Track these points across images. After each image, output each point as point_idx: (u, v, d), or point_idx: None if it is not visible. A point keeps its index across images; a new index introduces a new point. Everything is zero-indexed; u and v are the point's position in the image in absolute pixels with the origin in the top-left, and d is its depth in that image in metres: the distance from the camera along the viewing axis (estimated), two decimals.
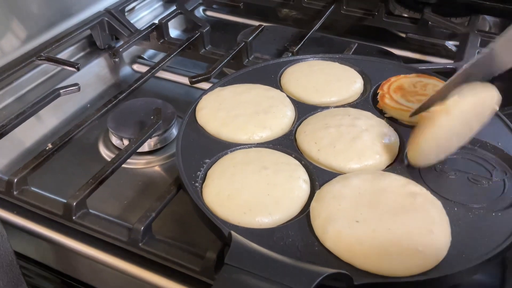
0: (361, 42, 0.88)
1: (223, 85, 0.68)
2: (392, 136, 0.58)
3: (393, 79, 0.67)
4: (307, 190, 0.53)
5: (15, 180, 0.58)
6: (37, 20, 0.86)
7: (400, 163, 0.56)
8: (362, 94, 0.68)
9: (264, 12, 1.11)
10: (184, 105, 0.66)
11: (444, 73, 0.70)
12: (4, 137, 0.66)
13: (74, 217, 0.55)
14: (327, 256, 0.46)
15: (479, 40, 0.83)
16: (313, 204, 0.51)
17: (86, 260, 0.55)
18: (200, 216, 0.51)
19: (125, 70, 0.93)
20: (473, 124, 0.53)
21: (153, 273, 0.52)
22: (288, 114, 0.63)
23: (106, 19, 0.90)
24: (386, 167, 0.56)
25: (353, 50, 0.83)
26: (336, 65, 0.72)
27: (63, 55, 0.87)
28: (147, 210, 0.53)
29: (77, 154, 0.71)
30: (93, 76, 0.88)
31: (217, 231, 0.48)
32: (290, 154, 0.57)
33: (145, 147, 0.70)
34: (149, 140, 0.69)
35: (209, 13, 1.13)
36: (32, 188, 0.59)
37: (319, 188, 0.53)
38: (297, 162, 0.56)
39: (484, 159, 0.57)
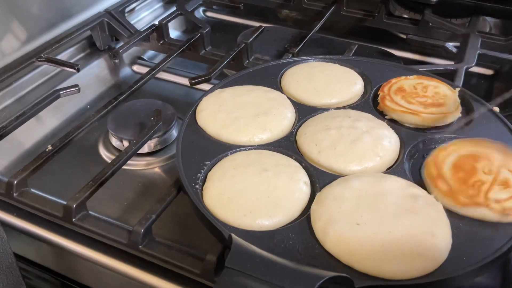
0: (361, 43, 0.88)
1: (223, 86, 0.68)
2: (392, 138, 0.58)
3: (393, 80, 0.67)
4: (307, 192, 0.53)
5: (15, 182, 0.58)
6: (37, 21, 0.86)
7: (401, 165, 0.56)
8: (363, 95, 0.68)
9: (264, 13, 1.11)
10: (184, 106, 0.65)
11: (445, 75, 0.70)
12: (4, 139, 0.66)
13: (74, 219, 0.55)
14: (327, 259, 0.46)
15: (480, 41, 0.83)
16: (313, 206, 0.50)
17: (86, 262, 0.55)
18: (200, 219, 0.51)
19: (125, 71, 0.93)
20: None
21: (153, 275, 0.52)
22: (288, 115, 0.62)
23: (106, 20, 0.90)
24: (386, 169, 0.56)
25: (353, 51, 0.83)
26: (337, 66, 0.72)
27: (63, 56, 0.87)
28: (147, 212, 0.53)
29: (77, 155, 0.71)
30: (93, 77, 0.88)
31: (218, 234, 0.48)
32: (291, 156, 0.57)
33: (145, 149, 0.70)
34: (149, 142, 0.68)
35: (209, 14, 1.13)
36: (32, 190, 0.59)
37: (320, 191, 0.52)
38: (297, 164, 0.56)
39: None
